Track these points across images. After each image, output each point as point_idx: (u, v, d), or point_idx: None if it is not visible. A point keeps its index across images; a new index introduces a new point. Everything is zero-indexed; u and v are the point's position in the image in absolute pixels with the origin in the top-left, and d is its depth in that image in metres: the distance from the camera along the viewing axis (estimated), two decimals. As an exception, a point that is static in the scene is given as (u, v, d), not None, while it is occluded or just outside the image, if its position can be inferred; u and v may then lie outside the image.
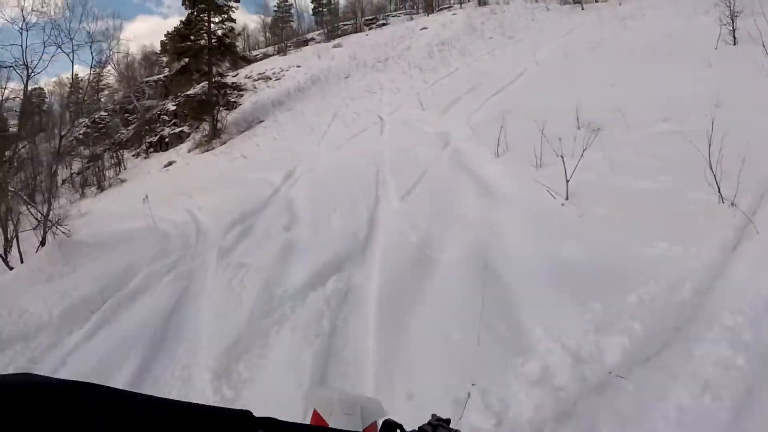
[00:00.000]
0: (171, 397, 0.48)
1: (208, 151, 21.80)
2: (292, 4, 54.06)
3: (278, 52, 38.20)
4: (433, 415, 0.60)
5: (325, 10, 51.15)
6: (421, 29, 28.36)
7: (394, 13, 51.20)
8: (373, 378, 2.68)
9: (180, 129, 28.59)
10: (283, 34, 50.12)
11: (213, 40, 23.55)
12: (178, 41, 23.18)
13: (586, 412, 2.15)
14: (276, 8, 54.41)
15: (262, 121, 21.27)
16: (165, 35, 23.58)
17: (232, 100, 28.26)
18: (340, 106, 16.28)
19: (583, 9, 22.67)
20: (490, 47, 17.85)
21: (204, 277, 4.83)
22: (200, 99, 23.42)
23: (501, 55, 15.75)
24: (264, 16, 55.69)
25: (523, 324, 2.79)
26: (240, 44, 31.25)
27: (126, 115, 33.72)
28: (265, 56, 39.46)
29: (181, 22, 23.42)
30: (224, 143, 21.60)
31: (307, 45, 38.58)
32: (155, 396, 0.47)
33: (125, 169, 26.69)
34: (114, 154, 28.75)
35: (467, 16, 26.95)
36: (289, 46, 39.92)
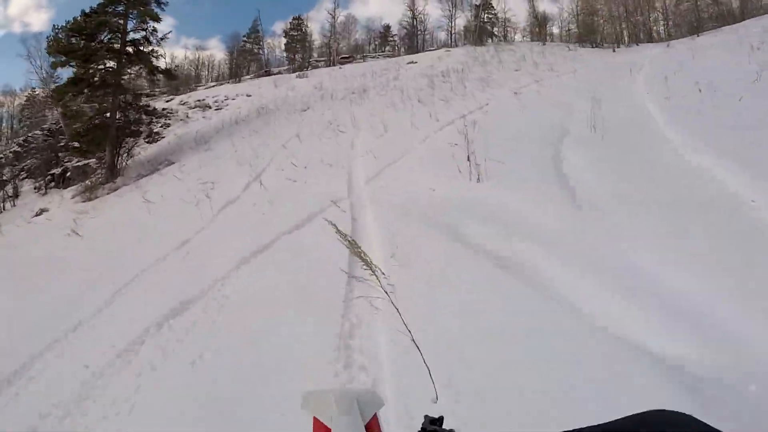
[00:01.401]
0: None
1: (91, 200, 14.57)
2: (262, 36, 48.65)
3: (232, 79, 31.82)
4: (426, 416, 0.58)
5: (297, 45, 45.83)
6: (409, 63, 22.88)
7: (373, 54, 46.55)
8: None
9: (86, 162, 20.98)
10: (249, 68, 44.56)
11: (126, 45, 16.75)
12: (68, 39, 16.16)
13: None
14: (244, 38, 48.81)
15: (172, 163, 14.24)
16: (53, 29, 16.47)
17: (156, 130, 21.27)
18: (281, 152, 9.67)
19: (614, 51, 17.81)
20: (517, 76, 11.95)
21: None
22: (94, 123, 16.17)
23: (551, 83, 9.73)
24: (230, 47, 49.82)
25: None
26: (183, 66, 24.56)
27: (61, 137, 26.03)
28: (219, 84, 32.95)
29: (83, 13, 16.53)
30: (115, 190, 14.46)
31: (269, 76, 32.51)
32: None
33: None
34: (14, 185, 20.88)
35: (466, 52, 21.70)
36: (250, 77, 33.77)
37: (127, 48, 16.70)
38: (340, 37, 43.44)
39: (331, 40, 40.31)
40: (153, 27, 17.32)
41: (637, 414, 0.43)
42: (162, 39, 17.26)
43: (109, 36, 16.66)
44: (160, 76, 17.54)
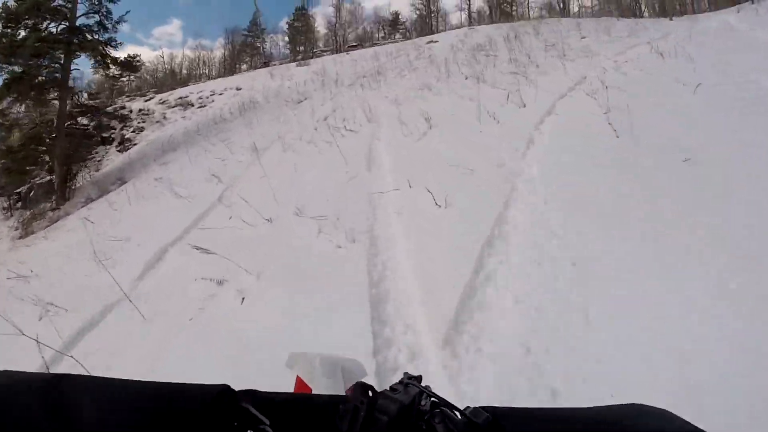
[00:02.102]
0: None
1: (25, 236, 11.18)
2: (259, 27, 44.84)
3: (226, 73, 28.13)
4: (405, 374, 0.56)
5: (302, 37, 41.86)
6: (429, 42, 18.75)
7: (382, 42, 42.39)
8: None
9: (50, 178, 17.48)
10: (252, 62, 40.95)
11: (75, 33, 13.04)
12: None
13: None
14: (245, 32, 45.08)
15: (125, 182, 10.55)
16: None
17: (128, 135, 17.65)
18: (246, 175, 5.82)
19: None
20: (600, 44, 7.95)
21: None
22: (30, 132, 12.54)
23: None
24: (227, 41, 46.14)
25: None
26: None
27: None
28: (210, 79, 29.31)
29: (14, -6, 12.82)
30: (55, 221, 11.03)
31: (267, 67, 28.70)
32: (135, 380, 0.47)
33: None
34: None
35: (495, 29, 17.62)
36: (245, 70, 30.07)
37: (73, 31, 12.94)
38: (346, 25, 39.24)
39: (337, 26, 36.05)
40: (107, 9, 13.55)
41: (616, 405, 0.44)
42: (118, 22, 13.47)
43: (52, 23, 12.96)
44: (118, 69, 13.71)
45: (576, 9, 35.75)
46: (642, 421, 0.43)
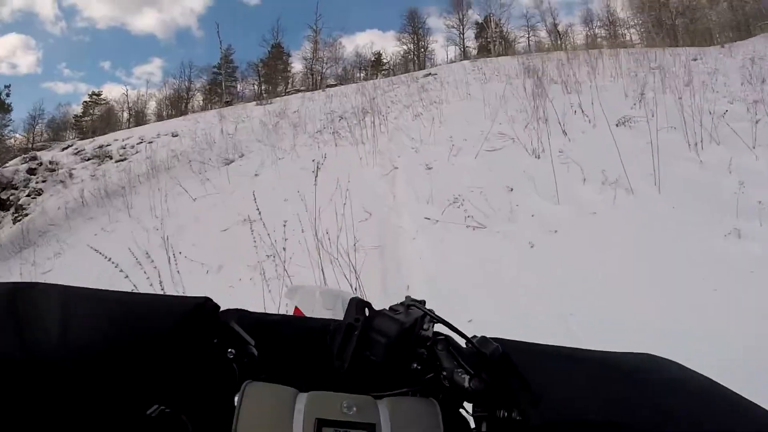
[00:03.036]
0: None
1: None
2: (237, 66, 40.90)
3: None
4: (407, 297, 0.50)
5: (279, 76, 38.07)
6: (426, 75, 14.83)
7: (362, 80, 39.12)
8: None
9: None
10: (222, 98, 36.95)
11: None
12: None
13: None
14: (215, 69, 41.06)
15: None
16: None
17: (22, 200, 12.78)
18: None
19: None
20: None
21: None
22: None
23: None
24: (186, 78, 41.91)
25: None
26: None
27: None
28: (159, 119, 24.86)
29: None
30: None
31: (230, 105, 24.49)
32: (111, 290, 0.44)
33: None
34: None
35: (515, 61, 13.88)
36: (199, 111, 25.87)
37: None
38: (324, 60, 35.70)
39: (313, 62, 32.36)
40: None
41: (630, 353, 0.43)
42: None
43: None
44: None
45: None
46: (656, 370, 0.41)
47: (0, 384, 0.34)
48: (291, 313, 0.70)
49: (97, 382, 0.36)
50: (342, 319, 0.47)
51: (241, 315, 0.47)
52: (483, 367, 0.41)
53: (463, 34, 35.82)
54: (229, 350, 0.43)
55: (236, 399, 0.38)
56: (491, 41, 30.93)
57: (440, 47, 43.69)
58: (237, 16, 44.58)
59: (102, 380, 0.36)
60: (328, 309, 0.70)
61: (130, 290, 0.44)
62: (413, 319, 0.45)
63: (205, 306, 0.43)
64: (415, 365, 0.45)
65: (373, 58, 41.86)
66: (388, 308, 0.48)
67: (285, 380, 0.41)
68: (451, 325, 0.46)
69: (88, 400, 0.36)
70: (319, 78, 32.35)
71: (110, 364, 0.37)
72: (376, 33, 58.24)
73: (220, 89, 37.63)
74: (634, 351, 0.44)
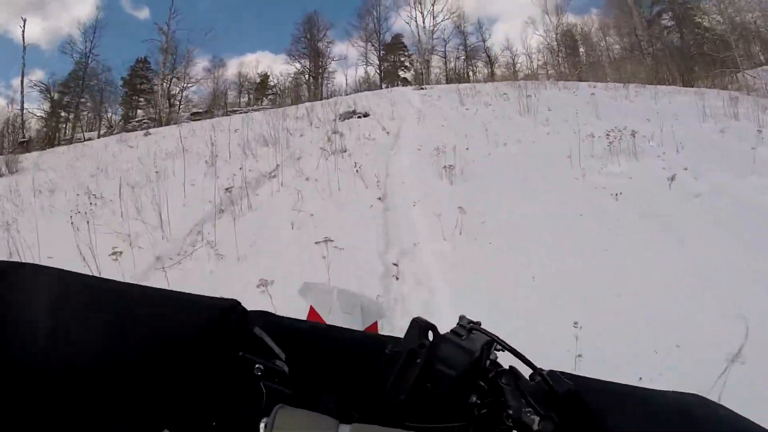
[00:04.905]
0: None
1: None
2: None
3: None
4: (462, 317, 0.44)
5: (144, 99, 28.03)
6: (349, 114, 8.02)
7: (244, 109, 30.92)
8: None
9: None
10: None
11: None
12: None
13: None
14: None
15: None
16: None
17: None
18: None
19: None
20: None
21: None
22: None
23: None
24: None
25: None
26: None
27: None
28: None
29: None
30: None
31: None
32: (120, 281, 0.37)
33: None
34: None
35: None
36: None
37: None
38: (183, 78, 26.79)
39: (163, 80, 23.53)
40: None
41: (680, 392, 0.40)
42: None
43: None
44: None
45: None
46: (712, 414, 0.38)
47: None
48: (306, 313, 0.65)
49: (90, 400, 0.30)
50: (362, 325, 0.44)
51: (267, 320, 0.39)
52: (553, 406, 0.35)
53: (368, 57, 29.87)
54: (257, 366, 0.36)
55: (261, 426, 0.31)
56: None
57: (339, 69, 37.31)
58: (126, 27, 33.16)
59: (97, 398, 0.30)
60: (346, 313, 0.64)
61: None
62: (480, 348, 0.39)
63: (233, 311, 0.37)
64: (474, 398, 0.39)
65: (258, 80, 33.90)
66: (449, 331, 0.41)
67: (320, 405, 0.35)
68: (521, 355, 0.39)
69: (78, 421, 0.29)
70: (166, 102, 23.31)
71: (111, 378, 0.31)
72: (267, 55, 49.69)
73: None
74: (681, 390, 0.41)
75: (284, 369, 0.36)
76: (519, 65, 28.92)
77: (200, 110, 31.85)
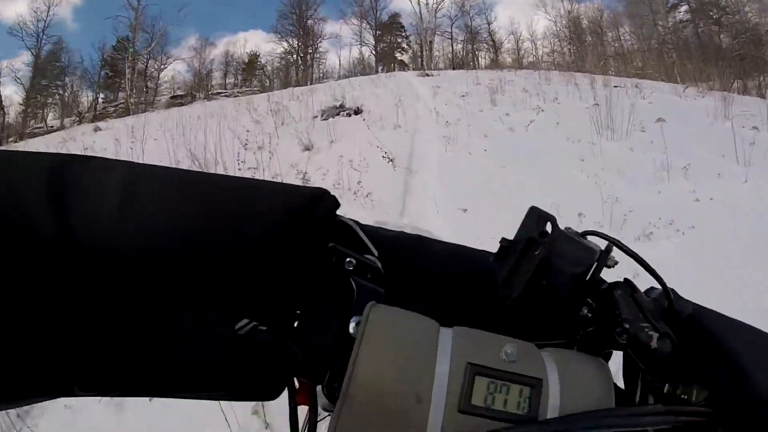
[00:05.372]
0: None
1: None
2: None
3: None
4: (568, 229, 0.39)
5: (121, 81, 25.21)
6: (347, 110, 5.49)
7: (226, 91, 28.19)
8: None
9: None
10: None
11: None
12: None
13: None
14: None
15: None
16: None
17: None
18: None
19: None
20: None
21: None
22: None
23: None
24: None
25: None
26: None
27: None
28: None
29: None
30: None
31: None
32: (196, 171, 0.35)
33: None
34: None
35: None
36: None
37: None
38: (160, 58, 24.05)
39: (132, 57, 20.79)
40: None
41: None
42: None
43: None
44: None
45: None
46: None
47: (29, 269, 0.25)
48: None
49: (163, 279, 0.28)
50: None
51: (355, 222, 0.36)
52: (671, 326, 0.32)
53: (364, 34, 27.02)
54: (348, 260, 0.33)
55: (351, 325, 0.30)
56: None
57: (333, 49, 34.21)
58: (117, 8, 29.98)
59: (171, 277, 0.28)
60: None
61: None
62: (599, 251, 0.35)
63: (324, 199, 0.34)
64: (585, 311, 0.35)
65: (246, 60, 30.98)
66: (564, 228, 0.36)
67: (417, 309, 0.32)
68: (647, 264, 0.33)
69: (149, 301, 0.28)
70: (132, 81, 20.67)
71: (186, 256, 0.28)
72: (260, 34, 45.99)
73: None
74: None
75: (377, 265, 0.34)
76: (523, 52, 26.25)
77: (183, 93, 29.20)
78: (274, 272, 0.30)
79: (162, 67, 25.94)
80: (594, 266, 0.35)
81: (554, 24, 25.30)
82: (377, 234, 0.37)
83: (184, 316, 0.28)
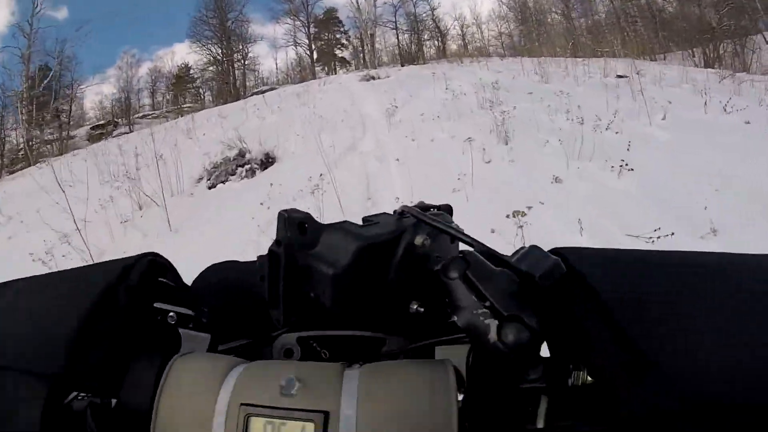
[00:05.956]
0: None
1: None
2: None
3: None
4: (420, 202, 0.39)
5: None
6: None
7: (153, 113, 25.51)
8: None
9: None
10: None
11: None
12: None
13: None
14: None
15: None
16: None
17: None
18: None
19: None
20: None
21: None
22: None
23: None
24: None
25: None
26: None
27: None
28: None
29: None
30: None
31: None
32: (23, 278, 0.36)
33: None
34: None
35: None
36: None
37: None
38: (72, 86, 21.15)
39: (24, 94, 17.91)
40: None
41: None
42: None
43: None
44: None
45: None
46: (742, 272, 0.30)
47: None
48: None
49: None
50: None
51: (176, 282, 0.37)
52: (529, 301, 0.26)
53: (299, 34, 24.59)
54: (170, 314, 0.35)
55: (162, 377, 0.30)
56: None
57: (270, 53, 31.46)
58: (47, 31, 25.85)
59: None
60: None
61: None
62: (391, 231, 0.31)
63: (135, 267, 0.34)
64: (416, 307, 0.32)
65: (176, 73, 27.93)
66: (361, 219, 0.34)
67: (248, 347, 0.35)
68: (462, 233, 0.30)
69: None
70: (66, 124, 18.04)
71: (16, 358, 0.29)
72: (188, 46, 42.22)
73: None
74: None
75: (195, 314, 0.35)
76: (468, 38, 24.55)
77: (103, 122, 26.08)
78: (94, 347, 0.30)
79: (74, 95, 22.91)
80: (395, 245, 0.31)
81: (499, 4, 23.63)
82: (200, 285, 0.39)
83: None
